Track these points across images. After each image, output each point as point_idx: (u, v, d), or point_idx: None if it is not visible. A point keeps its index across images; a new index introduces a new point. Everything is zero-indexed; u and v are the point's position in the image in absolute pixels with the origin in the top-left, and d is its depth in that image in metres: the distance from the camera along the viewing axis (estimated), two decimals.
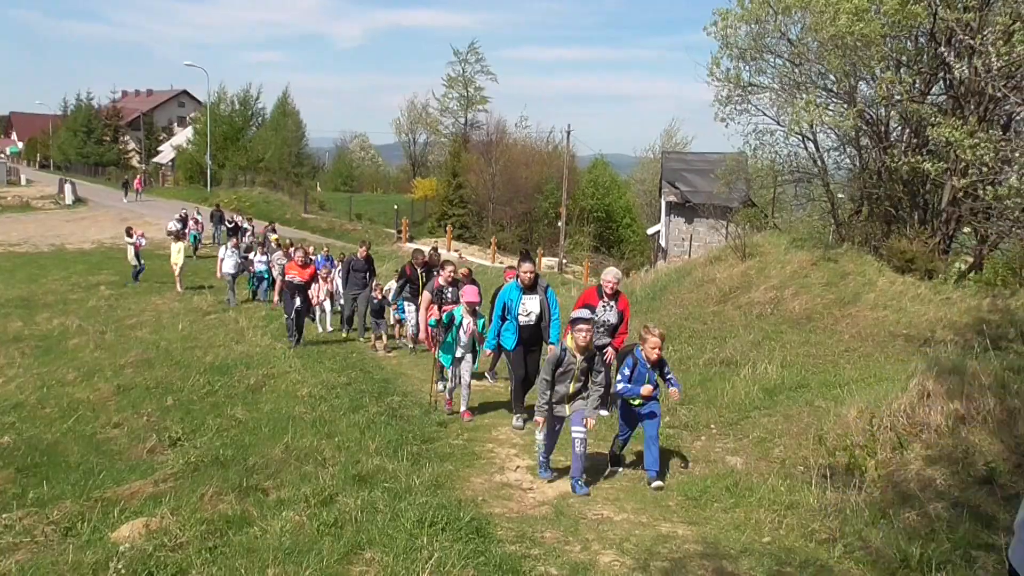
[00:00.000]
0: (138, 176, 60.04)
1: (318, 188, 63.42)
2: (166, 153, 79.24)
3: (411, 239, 43.08)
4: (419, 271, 13.95)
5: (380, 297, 15.00)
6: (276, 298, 15.29)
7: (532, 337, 9.29)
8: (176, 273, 22.13)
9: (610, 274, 9.14)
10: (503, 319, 9.30)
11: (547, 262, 41.77)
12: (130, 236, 24.30)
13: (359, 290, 15.48)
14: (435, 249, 14.34)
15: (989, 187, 12.53)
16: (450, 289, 11.58)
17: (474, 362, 9.85)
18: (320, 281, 16.13)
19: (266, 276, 20.49)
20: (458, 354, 9.54)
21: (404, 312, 14.58)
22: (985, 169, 12.89)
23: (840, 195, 18.75)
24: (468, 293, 9.61)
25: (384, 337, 14.80)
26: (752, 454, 7.76)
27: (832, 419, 7.62)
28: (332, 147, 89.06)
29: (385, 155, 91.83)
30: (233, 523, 6.01)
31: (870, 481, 6.30)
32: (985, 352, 7.94)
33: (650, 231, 43.79)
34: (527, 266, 9.29)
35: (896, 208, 16.02)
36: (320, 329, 16.71)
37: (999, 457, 6.06)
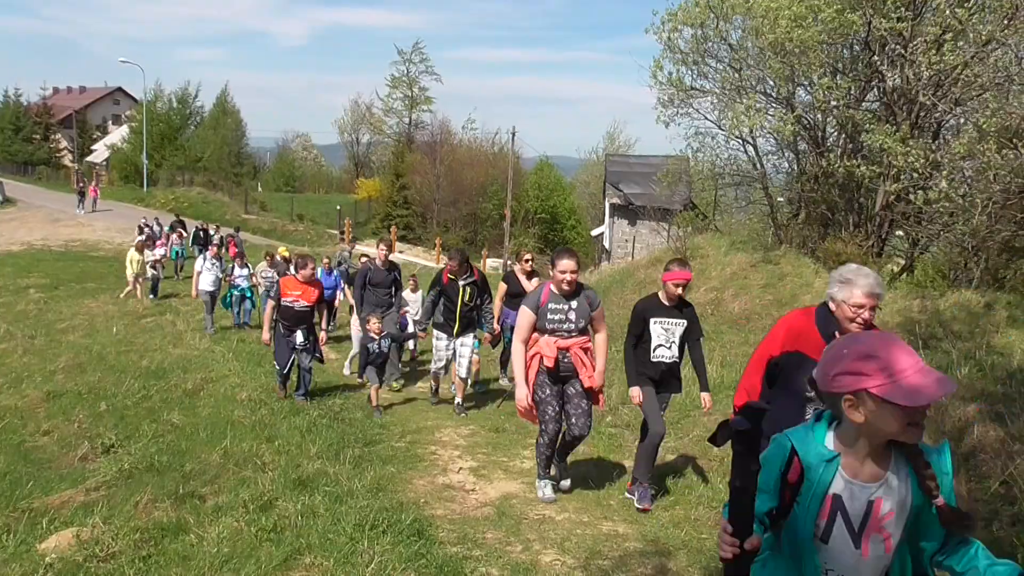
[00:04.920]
0: (92, 182, 51.61)
1: (259, 188, 62.57)
2: (100, 152, 77.22)
3: (355, 240, 42.72)
4: (459, 282, 9.40)
5: (378, 334, 9.93)
6: (266, 335, 10.15)
7: None
8: (139, 282, 20.57)
9: (870, 278, 4.03)
10: None
11: (492, 263, 41.80)
12: (151, 250, 22.07)
13: (382, 312, 10.54)
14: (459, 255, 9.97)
15: (920, 191, 12.90)
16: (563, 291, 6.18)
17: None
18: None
19: (249, 295, 17.03)
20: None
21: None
22: (916, 175, 13.27)
23: (779, 198, 19.10)
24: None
25: (376, 391, 9.93)
26: (693, 452, 7.86)
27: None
28: (274, 147, 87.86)
29: (328, 155, 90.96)
30: (168, 531, 5.87)
31: None
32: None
33: (594, 233, 44.14)
34: None
35: (832, 211, 16.38)
36: (347, 371, 12.42)
37: None
